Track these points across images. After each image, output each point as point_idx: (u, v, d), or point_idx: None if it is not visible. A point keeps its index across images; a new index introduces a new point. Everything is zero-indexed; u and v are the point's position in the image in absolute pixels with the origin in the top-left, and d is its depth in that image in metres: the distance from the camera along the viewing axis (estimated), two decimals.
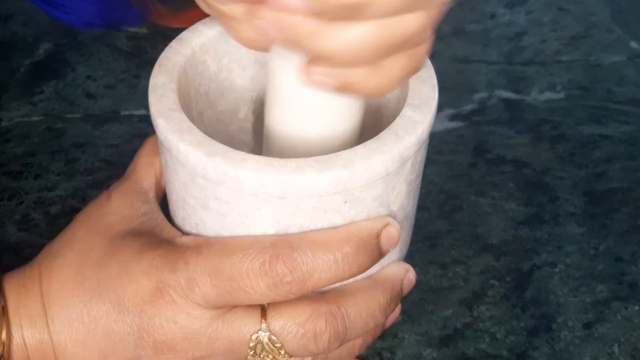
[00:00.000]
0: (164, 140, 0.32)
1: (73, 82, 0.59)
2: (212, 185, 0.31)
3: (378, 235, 0.32)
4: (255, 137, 0.41)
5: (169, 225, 0.35)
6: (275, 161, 0.30)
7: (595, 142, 0.54)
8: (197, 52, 0.36)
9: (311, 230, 0.32)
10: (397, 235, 0.33)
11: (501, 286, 0.45)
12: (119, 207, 0.35)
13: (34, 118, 0.56)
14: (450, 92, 0.58)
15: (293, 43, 0.28)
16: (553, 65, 0.61)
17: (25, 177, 0.51)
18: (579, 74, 0.60)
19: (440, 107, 0.57)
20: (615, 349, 0.42)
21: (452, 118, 0.56)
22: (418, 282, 0.45)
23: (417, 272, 0.46)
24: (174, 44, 0.36)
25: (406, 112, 0.33)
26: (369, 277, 0.34)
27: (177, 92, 0.33)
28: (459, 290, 0.45)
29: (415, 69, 0.30)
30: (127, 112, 0.56)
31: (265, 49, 0.31)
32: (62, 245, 0.35)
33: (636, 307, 0.44)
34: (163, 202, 0.36)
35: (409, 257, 0.46)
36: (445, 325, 0.43)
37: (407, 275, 0.36)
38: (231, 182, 0.30)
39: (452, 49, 0.62)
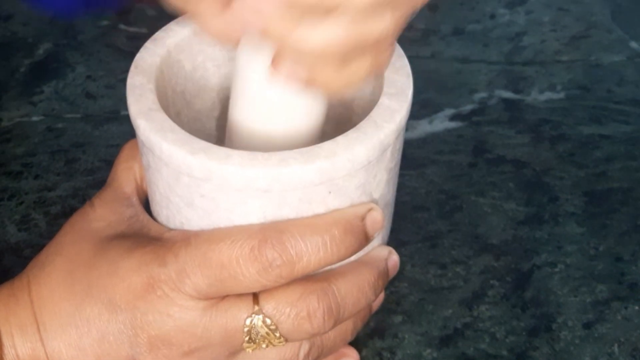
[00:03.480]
0: (146, 140, 0.32)
1: (73, 82, 0.59)
2: (197, 182, 0.31)
3: (363, 219, 0.33)
4: None
5: (155, 224, 0.35)
6: (260, 155, 0.30)
7: (595, 142, 0.54)
8: (172, 52, 0.36)
9: (298, 217, 0.32)
10: (381, 219, 0.33)
11: (501, 286, 0.45)
12: (103, 213, 0.35)
13: (34, 118, 0.56)
14: (450, 92, 0.58)
15: (266, 34, 0.29)
16: (553, 65, 0.61)
17: (25, 177, 0.51)
18: (579, 74, 0.60)
19: (440, 107, 0.57)
20: (615, 349, 0.42)
21: (452, 118, 0.56)
22: (418, 282, 0.45)
23: (417, 272, 0.46)
24: (148, 44, 0.36)
25: (383, 101, 0.33)
26: (355, 259, 0.34)
27: (155, 92, 0.33)
28: (459, 290, 0.45)
29: (377, 72, 0.32)
30: (127, 112, 0.56)
31: (235, 42, 0.32)
32: (50, 254, 0.35)
33: (636, 307, 0.44)
34: (145, 205, 0.37)
35: (409, 257, 0.46)
36: (445, 325, 0.43)
37: (391, 256, 0.36)
38: (216, 179, 0.31)
39: (452, 49, 0.62)
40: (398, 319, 0.43)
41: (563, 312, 0.44)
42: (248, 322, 0.32)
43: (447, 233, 0.48)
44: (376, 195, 0.34)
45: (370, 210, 0.33)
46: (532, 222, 0.49)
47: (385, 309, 0.43)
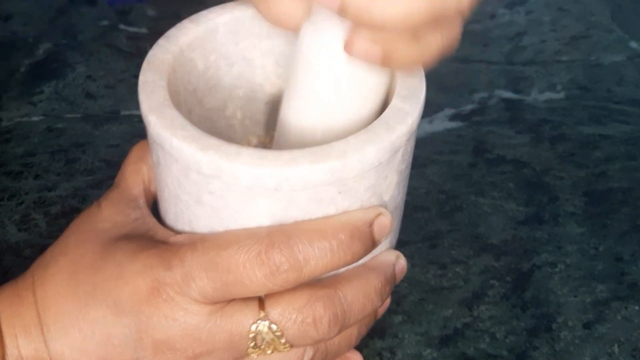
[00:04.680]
0: (157, 136, 0.32)
1: (73, 82, 0.59)
2: (206, 179, 0.31)
3: (371, 224, 0.32)
4: (243, 134, 0.41)
5: (161, 227, 0.35)
6: (269, 153, 0.30)
7: (595, 142, 0.54)
8: (185, 50, 0.36)
9: (305, 220, 0.32)
10: (389, 224, 0.33)
11: (501, 286, 0.45)
12: (110, 214, 0.35)
13: (34, 118, 0.56)
14: (450, 92, 0.58)
15: (342, 11, 0.28)
16: (553, 65, 0.61)
17: (25, 177, 0.51)
18: (579, 74, 0.60)
19: (441, 107, 0.57)
20: (615, 349, 0.42)
21: (452, 118, 0.56)
22: (418, 282, 0.45)
23: (417, 272, 0.46)
24: (161, 41, 0.36)
25: (396, 102, 0.33)
26: (362, 264, 0.34)
27: (167, 89, 0.33)
28: (459, 290, 0.45)
29: (449, 48, 0.31)
30: (127, 112, 0.56)
31: (297, 25, 0.31)
32: (55, 254, 0.34)
33: (636, 307, 0.44)
34: (153, 209, 0.36)
35: (409, 257, 0.46)
36: (445, 325, 0.43)
37: (399, 261, 0.36)
38: (226, 176, 0.30)
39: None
40: (398, 318, 0.43)
41: (563, 312, 0.44)
42: (254, 327, 0.32)
43: (447, 233, 0.48)
44: (386, 198, 0.34)
45: (378, 215, 0.33)
46: (532, 222, 0.49)
47: (385, 309, 0.43)
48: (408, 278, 0.45)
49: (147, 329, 0.32)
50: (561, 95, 0.58)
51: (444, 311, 0.44)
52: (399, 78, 0.34)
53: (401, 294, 0.44)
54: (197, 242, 0.32)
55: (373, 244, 0.33)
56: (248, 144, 0.41)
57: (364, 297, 0.33)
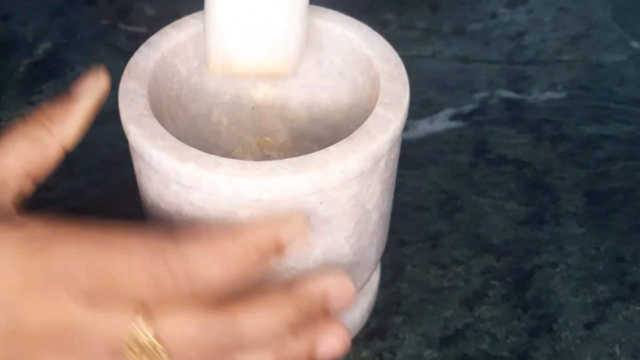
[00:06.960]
0: (136, 146, 0.32)
1: (72, 82, 0.59)
2: (186, 190, 0.31)
3: (274, 236, 0.30)
4: (229, 140, 0.41)
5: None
6: (250, 164, 0.30)
7: (596, 142, 0.54)
8: (167, 57, 0.36)
9: (202, 230, 0.30)
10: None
11: (502, 286, 0.45)
12: None
13: None
14: (450, 92, 0.58)
15: None
16: (554, 65, 0.61)
17: None
18: (580, 74, 0.60)
19: (441, 107, 0.57)
20: (617, 349, 0.42)
21: (453, 118, 0.56)
22: (418, 283, 0.45)
23: (417, 273, 0.46)
24: (142, 48, 0.35)
25: (378, 110, 0.33)
26: (285, 285, 0.31)
27: (147, 98, 0.33)
28: (459, 291, 0.45)
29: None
30: None
31: None
32: None
33: (637, 308, 0.44)
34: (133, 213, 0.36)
35: (410, 257, 0.46)
36: (446, 325, 0.43)
37: (334, 285, 0.31)
38: (206, 187, 0.30)
39: (452, 49, 0.62)
40: (398, 319, 0.43)
41: (564, 312, 0.44)
42: (131, 330, 0.29)
43: (448, 233, 0.48)
44: (370, 206, 0.33)
45: (286, 224, 0.30)
46: (533, 222, 0.48)
47: (386, 310, 0.43)
48: (408, 278, 0.45)
49: (17, 323, 0.29)
50: (562, 95, 0.58)
51: (444, 311, 0.44)
52: (382, 85, 0.34)
53: (402, 294, 0.44)
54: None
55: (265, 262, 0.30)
56: (235, 153, 0.41)
57: (265, 330, 0.30)
